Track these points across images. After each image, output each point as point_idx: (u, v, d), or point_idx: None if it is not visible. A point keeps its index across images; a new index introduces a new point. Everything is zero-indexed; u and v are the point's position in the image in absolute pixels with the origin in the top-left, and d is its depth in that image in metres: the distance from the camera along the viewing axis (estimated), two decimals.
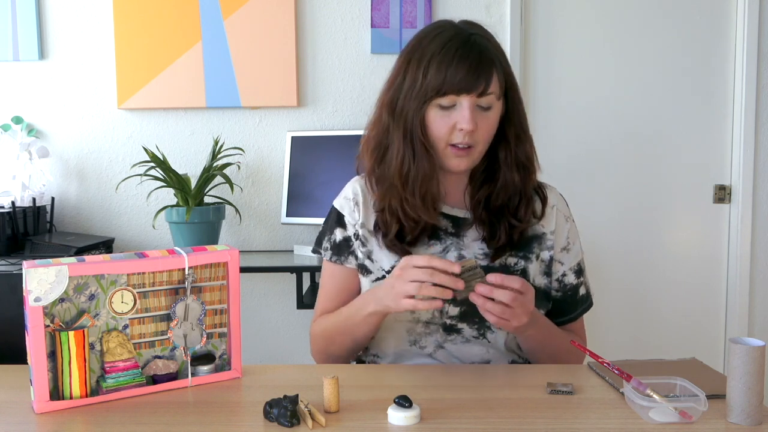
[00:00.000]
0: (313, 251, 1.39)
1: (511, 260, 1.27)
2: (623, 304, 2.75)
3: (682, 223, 2.77)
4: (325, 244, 1.36)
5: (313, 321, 1.37)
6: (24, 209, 2.47)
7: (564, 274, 1.33)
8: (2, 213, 2.36)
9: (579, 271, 1.35)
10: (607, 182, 2.73)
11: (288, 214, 2.56)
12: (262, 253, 2.63)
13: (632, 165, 2.73)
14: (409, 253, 1.25)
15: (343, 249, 1.33)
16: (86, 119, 2.68)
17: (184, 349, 1.12)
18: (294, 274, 2.51)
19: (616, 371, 1.04)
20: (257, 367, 1.20)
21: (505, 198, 1.27)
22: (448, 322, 1.25)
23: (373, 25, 2.62)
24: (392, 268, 1.25)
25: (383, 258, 1.28)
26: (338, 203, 1.36)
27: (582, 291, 1.36)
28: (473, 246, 1.28)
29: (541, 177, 1.35)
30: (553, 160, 2.65)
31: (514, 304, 1.07)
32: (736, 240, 2.72)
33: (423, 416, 0.96)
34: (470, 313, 1.23)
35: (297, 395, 0.95)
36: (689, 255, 2.77)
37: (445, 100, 1.18)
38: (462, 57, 1.16)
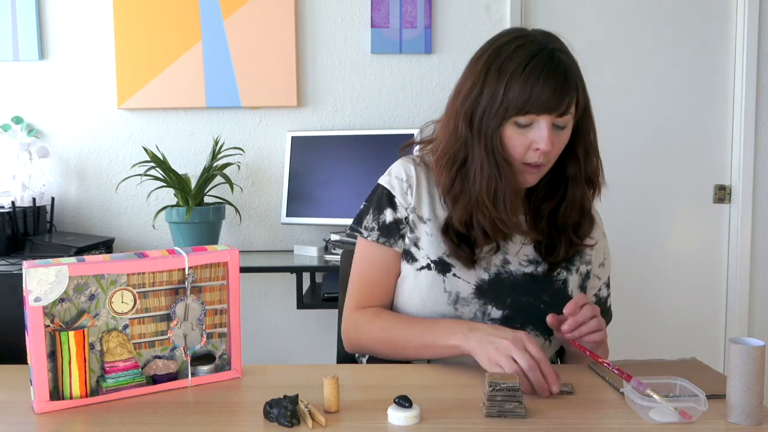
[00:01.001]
0: (351, 229, 1.32)
1: (554, 270, 1.28)
2: (623, 304, 2.73)
3: (682, 223, 2.77)
4: (370, 223, 1.28)
5: (353, 308, 1.29)
6: (24, 209, 2.47)
7: (600, 289, 1.36)
8: (2, 213, 2.36)
9: (608, 285, 1.38)
10: (607, 182, 2.72)
11: (288, 214, 2.56)
12: (262, 253, 2.63)
13: (632, 165, 2.73)
14: (473, 261, 1.23)
15: (393, 231, 1.27)
16: (86, 119, 2.68)
17: (184, 349, 1.12)
18: (294, 274, 2.51)
19: (616, 371, 1.04)
20: (257, 367, 1.20)
21: (574, 215, 1.26)
22: (490, 324, 1.23)
23: (373, 25, 2.62)
24: (439, 258, 1.23)
25: (429, 246, 1.25)
26: (387, 182, 1.29)
27: (609, 303, 1.39)
28: (520, 253, 1.26)
29: None
30: None
31: (601, 324, 1.15)
32: (736, 240, 2.72)
33: (423, 416, 0.96)
34: (513, 318, 1.22)
35: (297, 395, 0.95)
36: (689, 255, 2.77)
37: (524, 119, 1.15)
38: (548, 76, 1.13)
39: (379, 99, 2.66)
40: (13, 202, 2.43)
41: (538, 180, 1.22)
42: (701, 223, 2.77)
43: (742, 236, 2.71)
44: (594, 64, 2.69)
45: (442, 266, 1.23)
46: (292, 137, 2.59)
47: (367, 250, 1.29)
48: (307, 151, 2.56)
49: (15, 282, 1.90)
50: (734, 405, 0.93)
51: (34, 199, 2.52)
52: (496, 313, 1.23)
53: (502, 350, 1.05)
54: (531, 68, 1.13)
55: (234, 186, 2.54)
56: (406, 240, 1.27)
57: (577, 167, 1.24)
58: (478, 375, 1.12)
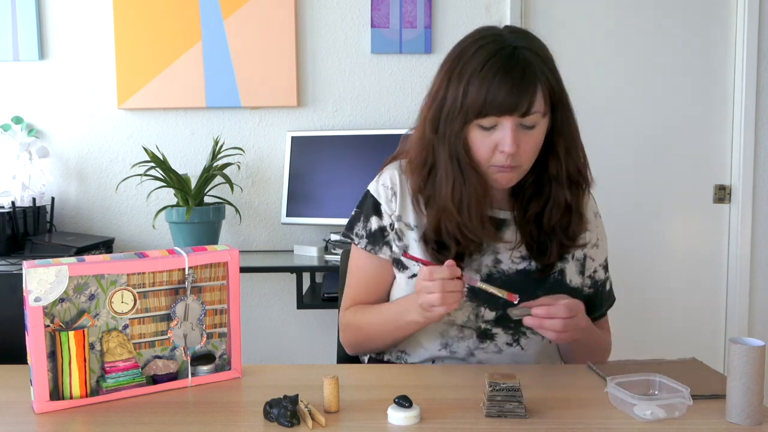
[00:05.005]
0: (344, 235, 1.33)
1: (549, 271, 1.26)
2: (623, 304, 2.71)
3: (682, 223, 2.77)
4: (359, 230, 1.30)
5: (343, 309, 1.34)
6: (24, 209, 2.47)
7: (595, 270, 1.32)
8: (2, 213, 2.36)
9: (606, 267, 1.35)
10: (607, 182, 2.71)
11: (288, 214, 2.56)
12: (262, 253, 2.63)
13: (632, 165, 2.73)
14: (459, 264, 1.20)
15: (378, 239, 1.27)
16: (86, 119, 2.68)
17: (184, 349, 1.12)
18: (294, 274, 2.51)
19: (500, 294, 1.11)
20: (257, 367, 1.20)
21: (558, 217, 1.22)
22: (483, 326, 1.23)
23: (373, 25, 2.62)
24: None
25: (418, 253, 1.24)
26: (375, 189, 1.30)
27: (608, 286, 1.36)
28: (510, 252, 1.24)
29: None
30: None
31: (567, 327, 1.10)
32: (736, 240, 2.72)
33: (423, 416, 0.96)
34: (506, 318, 1.21)
35: (297, 395, 0.95)
36: (689, 255, 2.77)
37: (486, 121, 1.13)
38: (504, 75, 1.10)
39: (379, 99, 2.66)
40: (13, 202, 2.43)
41: (513, 181, 1.19)
42: (701, 223, 2.77)
43: (742, 236, 2.71)
44: (594, 64, 2.69)
45: None
46: (292, 137, 2.59)
47: (358, 257, 1.32)
48: (307, 151, 2.56)
49: (15, 282, 1.90)
50: (734, 405, 0.93)
51: (34, 199, 2.52)
52: (489, 314, 1.22)
53: (421, 298, 1.11)
54: (487, 68, 1.11)
55: (234, 186, 2.54)
56: (395, 248, 1.27)
57: (558, 165, 1.20)
58: (478, 375, 1.12)
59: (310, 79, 2.66)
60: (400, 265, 1.27)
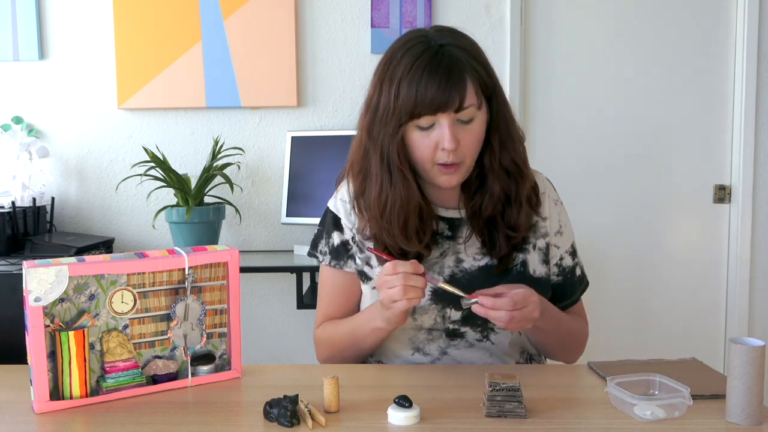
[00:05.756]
0: (309, 254, 1.37)
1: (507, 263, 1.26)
2: (623, 304, 2.74)
3: (682, 223, 2.77)
4: (323, 247, 1.33)
5: (316, 326, 1.36)
6: (24, 209, 2.47)
7: (561, 258, 1.32)
8: (2, 213, 2.36)
9: (573, 253, 1.35)
10: (607, 182, 2.73)
11: (288, 214, 2.55)
12: (262, 253, 2.63)
13: (632, 165, 2.73)
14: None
15: (341, 253, 1.30)
16: (86, 119, 2.68)
17: (184, 349, 1.12)
18: (294, 274, 2.51)
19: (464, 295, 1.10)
20: (257, 367, 1.20)
21: (495, 207, 1.23)
22: (451, 327, 1.24)
23: (373, 25, 2.62)
24: None
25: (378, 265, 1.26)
26: (333, 205, 1.33)
27: (578, 272, 1.36)
28: (469, 250, 1.25)
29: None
30: (553, 160, 2.65)
31: (513, 319, 1.08)
32: (736, 240, 2.72)
33: (423, 416, 0.96)
34: (473, 316, 1.21)
35: (297, 395, 0.95)
36: (689, 255, 2.77)
37: (422, 121, 1.14)
38: (431, 74, 1.12)
39: None
40: (13, 202, 2.43)
41: (458, 180, 1.20)
42: (701, 223, 2.77)
43: (742, 236, 2.70)
44: (593, 64, 2.69)
45: None
46: (292, 137, 2.59)
47: (325, 274, 1.34)
48: (307, 151, 2.56)
49: (15, 282, 1.90)
50: (734, 405, 0.93)
51: (34, 199, 2.52)
52: (456, 315, 1.23)
53: (382, 294, 1.10)
54: (415, 69, 1.13)
55: (234, 186, 2.54)
56: (357, 260, 1.29)
57: (492, 158, 1.21)
58: (478, 375, 1.12)
59: (310, 79, 2.66)
60: (364, 277, 1.29)
